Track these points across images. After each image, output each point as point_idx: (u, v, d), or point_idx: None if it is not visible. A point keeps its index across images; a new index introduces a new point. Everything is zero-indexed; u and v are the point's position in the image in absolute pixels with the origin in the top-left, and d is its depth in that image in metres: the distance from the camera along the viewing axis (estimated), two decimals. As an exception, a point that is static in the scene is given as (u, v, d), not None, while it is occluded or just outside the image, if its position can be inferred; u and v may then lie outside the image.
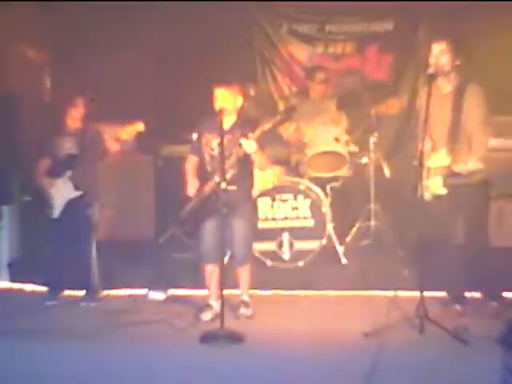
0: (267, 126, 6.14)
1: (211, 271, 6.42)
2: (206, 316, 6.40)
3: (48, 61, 8.75)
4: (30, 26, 8.48)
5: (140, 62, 9.01)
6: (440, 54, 6.12)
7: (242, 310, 6.51)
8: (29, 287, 7.72)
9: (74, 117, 7.10)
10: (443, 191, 6.05)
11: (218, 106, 6.21)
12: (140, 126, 7.09)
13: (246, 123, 6.38)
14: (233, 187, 6.16)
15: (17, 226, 8.20)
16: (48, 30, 8.77)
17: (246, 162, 6.33)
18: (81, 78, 8.52)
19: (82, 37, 8.96)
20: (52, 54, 8.79)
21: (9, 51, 8.18)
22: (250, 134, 6.12)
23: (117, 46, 8.90)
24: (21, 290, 7.73)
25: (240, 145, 6.15)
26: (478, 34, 8.59)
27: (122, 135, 7.07)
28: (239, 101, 6.43)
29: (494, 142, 6.98)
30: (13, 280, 7.90)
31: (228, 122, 6.35)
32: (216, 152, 6.31)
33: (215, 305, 6.44)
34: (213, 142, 6.38)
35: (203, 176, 6.45)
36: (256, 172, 6.73)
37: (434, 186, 6.09)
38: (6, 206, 8.05)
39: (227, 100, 6.30)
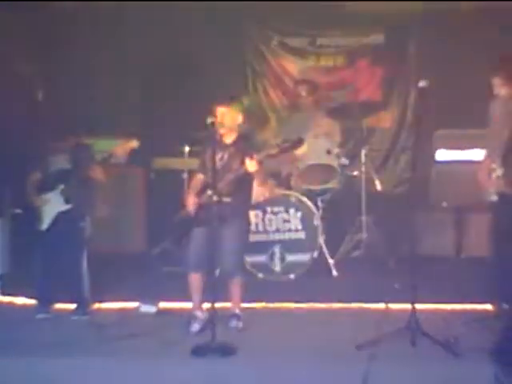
0: (274, 151, 6.18)
1: (195, 280, 6.45)
2: (195, 327, 6.39)
3: (37, 74, 8.70)
4: (19, 39, 8.45)
5: (131, 75, 9.02)
6: None
7: (234, 323, 6.49)
8: (19, 300, 7.67)
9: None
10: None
11: (209, 120, 6.26)
12: (134, 143, 7.10)
13: (250, 142, 6.52)
14: (227, 199, 6.24)
15: (7, 238, 8.17)
16: (38, 41, 8.72)
17: (245, 177, 6.37)
18: (71, 92, 8.54)
19: (71, 50, 8.96)
20: (41, 67, 8.74)
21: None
22: (255, 156, 6.16)
23: (107, 59, 8.92)
24: (11, 303, 7.69)
25: (242, 162, 6.22)
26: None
27: (116, 152, 7.07)
28: (239, 118, 6.54)
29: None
30: (3, 293, 7.84)
31: (229, 137, 6.50)
32: (218, 166, 6.36)
33: (200, 315, 6.45)
34: (215, 157, 6.43)
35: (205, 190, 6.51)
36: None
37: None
38: (-3, 219, 8.05)
39: (227, 117, 6.43)
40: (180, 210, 6.67)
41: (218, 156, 6.37)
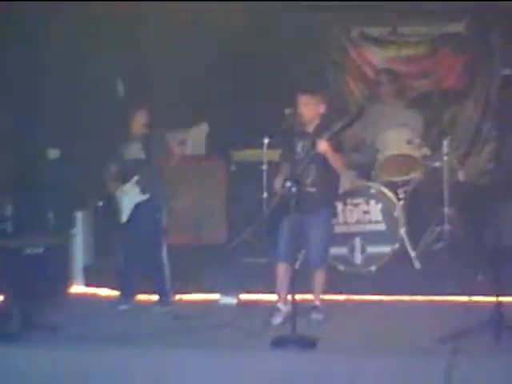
0: (337, 127, 6.20)
1: (284, 271, 6.40)
2: (277, 320, 6.38)
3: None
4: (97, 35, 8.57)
5: (211, 66, 9.03)
6: None
7: (314, 315, 6.47)
8: (103, 291, 7.81)
9: (139, 123, 7.17)
10: None
11: (288, 111, 6.27)
12: (204, 127, 7.13)
13: (328, 128, 6.44)
14: (312, 189, 6.26)
15: (91, 231, 8.31)
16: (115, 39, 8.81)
17: (328, 166, 6.34)
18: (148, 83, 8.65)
19: (148, 44, 9.05)
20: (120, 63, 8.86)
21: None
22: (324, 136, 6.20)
23: (188, 48, 8.95)
24: (95, 295, 7.83)
25: (315, 146, 6.22)
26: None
27: (187, 137, 7.10)
28: (322, 107, 6.53)
29: None
30: (87, 284, 8.01)
31: (310, 126, 6.48)
32: (301, 155, 6.38)
33: (283, 308, 6.43)
34: (297, 147, 6.47)
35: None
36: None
37: None
38: (79, 212, 8.17)
39: (309, 107, 6.43)
40: (264, 202, 6.67)
41: (300, 145, 6.37)
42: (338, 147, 6.31)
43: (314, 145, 6.28)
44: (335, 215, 7.21)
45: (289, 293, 6.19)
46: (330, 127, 6.36)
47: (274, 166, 7.39)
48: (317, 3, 9.33)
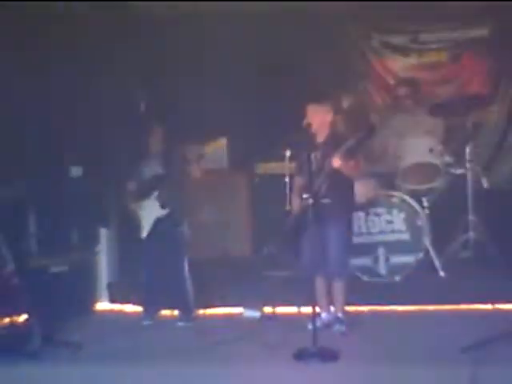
0: (350, 143, 6.12)
1: (320, 284, 6.47)
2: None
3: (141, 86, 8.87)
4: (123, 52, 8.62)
5: (232, 77, 9.03)
6: None
7: (336, 327, 6.44)
8: (128, 308, 7.82)
9: (157, 139, 7.20)
10: None
11: (305, 121, 6.26)
12: (222, 142, 7.15)
13: (338, 137, 6.41)
14: (326, 200, 6.19)
15: (115, 247, 8.34)
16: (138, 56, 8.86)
17: (341, 175, 6.30)
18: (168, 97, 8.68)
19: (169, 59, 9.07)
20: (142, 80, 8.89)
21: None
22: (336, 152, 6.14)
23: (206, 64, 8.96)
24: (120, 311, 7.84)
25: (329, 160, 6.16)
26: None
27: (206, 151, 7.11)
28: (329, 116, 6.48)
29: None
30: (112, 301, 8.02)
31: (321, 136, 6.44)
32: (313, 168, 6.32)
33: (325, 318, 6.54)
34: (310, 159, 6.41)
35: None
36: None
37: None
38: (103, 229, 8.21)
39: (317, 116, 6.37)
40: (287, 215, 6.66)
41: (311, 156, 6.30)
42: (352, 159, 6.25)
43: (324, 156, 6.24)
44: (352, 225, 7.15)
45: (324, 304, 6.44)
46: (341, 139, 6.28)
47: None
48: (337, 13, 9.30)
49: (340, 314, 6.52)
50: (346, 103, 8.94)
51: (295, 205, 6.56)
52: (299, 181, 6.64)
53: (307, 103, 6.46)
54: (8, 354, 5.93)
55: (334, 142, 6.33)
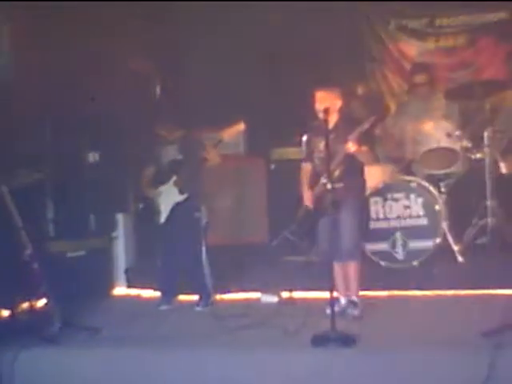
0: (365, 126, 6.11)
1: (338, 268, 6.45)
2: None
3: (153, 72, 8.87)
4: (134, 38, 8.60)
5: (248, 64, 9.02)
6: None
7: (350, 310, 6.43)
8: (146, 293, 7.84)
9: (175, 124, 7.22)
10: None
11: (319, 106, 6.23)
12: (241, 126, 7.13)
13: (348, 122, 6.36)
14: (340, 184, 6.18)
15: (132, 233, 8.37)
16: (153, 41, 8.85)
17: (353, 160, 6.30)
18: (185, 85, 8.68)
19: (185, 45, 9.07)
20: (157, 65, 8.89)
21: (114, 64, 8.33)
22: (350, 136, 6.11)
23: (222, 50, 8.95)
24: (137, 296, 7.87)
25: (344, 144, 6.15)
26: None
27: (223, 136, 7.10)
28: (338, 103, 6.44)
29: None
30: (130, 286, 8.06)
31: (331, 122, 6.35)
32: (323, 154, 6.29)
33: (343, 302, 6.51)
34: (320, 145, 6.39)
35: (317, 180, 6.48)
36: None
37: None
38: (121, 214, 8.23)
39: (326, 102, 6.31)
40: (300, 205, 6.65)
41: (322, 142, 6.27)
42: (366, 144, 6.24)
43: (335, 142, 6.18)
44: (364, 208, 7.13)
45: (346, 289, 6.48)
46: (352, 124, 6.25)
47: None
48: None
49: (354, 298, 6.50)
50: (361, 89, 8.94)
51: (307, 196, 6.55)
52: (307, 168, 6.63)
53: (314, 89, 6.42)
54: (28, 338, 5.95)
55: (345, 127, 6.30)
